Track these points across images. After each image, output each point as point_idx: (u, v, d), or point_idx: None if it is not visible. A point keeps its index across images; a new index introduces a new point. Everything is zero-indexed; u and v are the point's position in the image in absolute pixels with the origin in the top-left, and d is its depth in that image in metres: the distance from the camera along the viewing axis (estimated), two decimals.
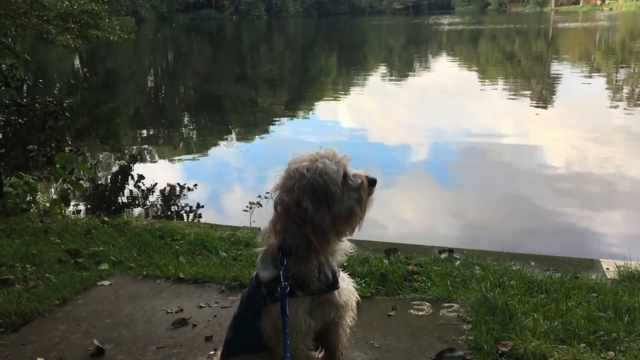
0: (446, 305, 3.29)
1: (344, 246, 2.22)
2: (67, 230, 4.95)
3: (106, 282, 3.87)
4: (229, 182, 9.15)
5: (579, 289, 3.35)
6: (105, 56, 33.88)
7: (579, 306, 3.10)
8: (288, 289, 2.04)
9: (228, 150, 11.28)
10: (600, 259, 4.02)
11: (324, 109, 15.52)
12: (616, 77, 19.45)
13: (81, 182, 8.24)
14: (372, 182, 2.14)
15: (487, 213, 7.14)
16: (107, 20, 11.86)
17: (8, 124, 8.95)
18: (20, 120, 10.39)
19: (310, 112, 15.14)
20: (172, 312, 3.39)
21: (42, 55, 26.07)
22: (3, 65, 8.18)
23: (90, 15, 11.52)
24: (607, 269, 3.81)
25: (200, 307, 3.45)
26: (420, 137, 11.34)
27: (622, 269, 3.67)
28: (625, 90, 16.62)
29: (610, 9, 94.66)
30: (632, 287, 3.34)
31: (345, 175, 2.08)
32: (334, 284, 2.17)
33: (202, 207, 7.81)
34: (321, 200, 2.00)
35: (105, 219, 5.28)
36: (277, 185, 2.09)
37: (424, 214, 7.28)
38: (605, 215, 6.87)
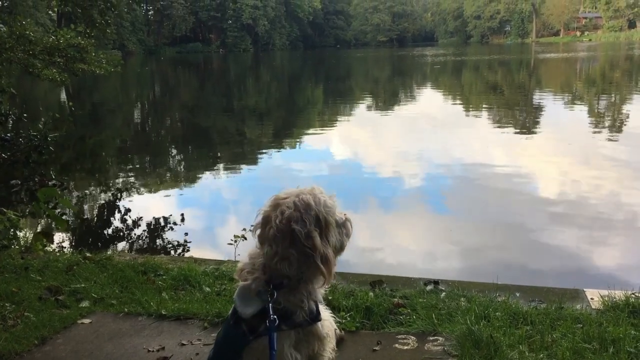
0: (431, 338, 3.27)
1: None
2: (49, 267, 4.86)
3: (87, 320, 3.79)
4: (214, 215, 9.08)
5: (564, 319, 3.35)
6: (92, 89, 33.97)
7: (564, 337, 3.09)
8: (277, 322, 2.01)
9: (214, 183, 11.23)
10: (585, 289, 4.02)
11: (311, 139, 15.60)
12: (598, 105, 19.82)
13: (65, 216, 8.15)
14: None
15: (472, 243, 7.13)
16: (93, 54, 11.94)
17: None
18: (3, 155, 10.34)
19: (297, 143, 15.20)
20: (153, 351, 3.32)
21: (28, 89, 26.04)
22: None
23: (77, 49, 11.59)
24: (592, 298, 3.81)
25: (182, 344, 3.38)
26: (406, 167, 11.38)
27: (606, 299, 3.68)
28: (608, 118, 16.92)
29: (590, 39, 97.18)
30: (617, 318, 3.34)
31: None
32: (317, 316, 2.17)
33: (189, 242, 7.71)
34: (322, 230, 2.05)
35: (88, 254, 5.20)
36: (281, 214, 2.05)
37: (410, 245, 7.27)
38: (589, 244, 6.89)
